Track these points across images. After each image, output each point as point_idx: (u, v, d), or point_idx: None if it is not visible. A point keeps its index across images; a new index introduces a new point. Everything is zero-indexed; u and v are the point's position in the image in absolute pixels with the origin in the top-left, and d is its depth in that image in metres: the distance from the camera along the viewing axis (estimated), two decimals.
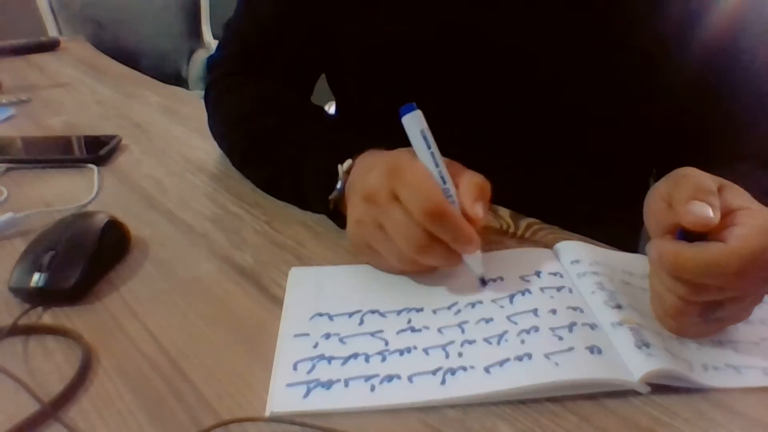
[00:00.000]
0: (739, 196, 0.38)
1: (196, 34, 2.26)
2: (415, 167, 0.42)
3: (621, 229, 0.66)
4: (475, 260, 0.43)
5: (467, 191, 0.43)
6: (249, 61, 0.68)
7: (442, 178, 0.43)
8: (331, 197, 0.51)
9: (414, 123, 0.43)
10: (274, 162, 0.58)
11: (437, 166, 0.43)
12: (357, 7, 0.62)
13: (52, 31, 2.00)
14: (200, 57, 2.23)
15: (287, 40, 0.67)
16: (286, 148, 0.57)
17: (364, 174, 0.46)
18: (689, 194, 0.36)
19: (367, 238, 0.44)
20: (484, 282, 0.44)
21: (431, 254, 0.41)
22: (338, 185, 0.50)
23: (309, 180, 0.54)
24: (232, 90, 0.67)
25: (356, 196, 0.44)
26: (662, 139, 0.63)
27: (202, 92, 0.73)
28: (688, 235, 0.37)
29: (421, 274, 0.45)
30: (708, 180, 0.38)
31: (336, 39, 0.65)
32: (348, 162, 0.50)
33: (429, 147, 0.43)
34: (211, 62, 0.72)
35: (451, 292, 0.44)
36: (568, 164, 0.63)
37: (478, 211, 0.42)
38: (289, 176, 0.56)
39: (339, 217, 0.52)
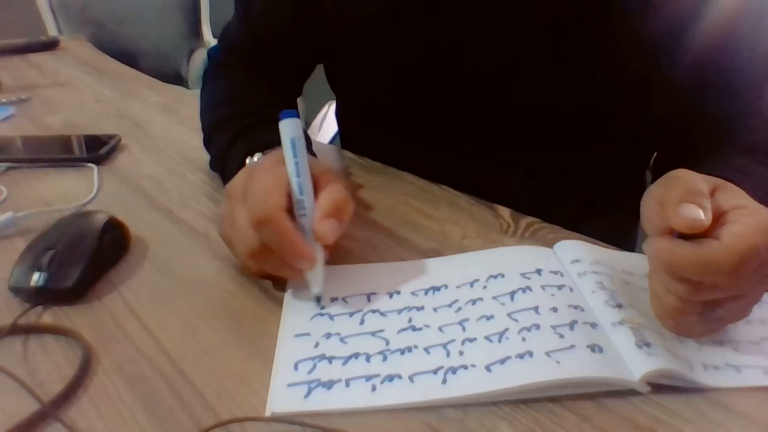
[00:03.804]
0: (734, 195, 0.38)
1: (196, 33, 2.25)
2: (270, 173, 0.42)
3: (617, 222, 0.66)
4: (313, 276, 0.42)
5: (320, 207, 0.43)
6: (238, 55, 0.71)
7: (300, 189, 0.43)
8: None
9: (287, 129, 0.43)
10: (214, 150, 0.62)
11: (298, 176, 0.43)
12: (345, 5, 0.62)
13: (52, 31, 2.00)
14: (200, 57, 2.23)
15: (276, 38, 0.68)
16: (224, 138, 0.59)
17: None
18: (679, 197, 0.36)
19: (224, 231, 0.46)
20: (319, 301, 0.43)
21: (263, 262, 0.42)
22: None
23: (230, 170, 0.56)
24: (213, 81, 0.71)
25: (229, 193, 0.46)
26: (658, 131, 0.63)
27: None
28: (685, 235, 0.37)
29: (272, 279, 0.45)
30: (699, 181, 0.38)
31: (329, 37, 0.66)
32: (258, 155, 0.52)
33: (295, 156, 0.43)
34: (209, 54, 0.75)
35: (452, 290, 0.44)
36: (563, 157, 0.63)
37: (323, 227, 0.42)
38: (220, 165, 0.59)
39: None
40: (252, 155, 0.52)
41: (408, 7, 0.59)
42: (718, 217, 0.36)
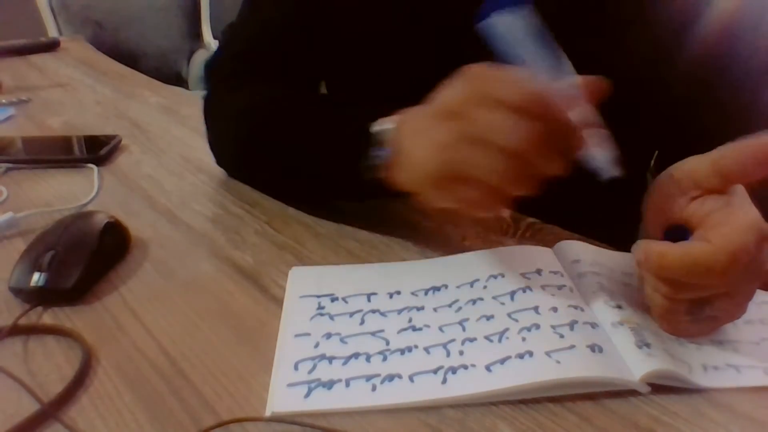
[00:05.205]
0: (730, 193, 0.38)
1: (196, 34, 2.26)
2: (501, 68, 0.36)
3: (618, 223, 0.66)
4: (598, 146, 0.36)
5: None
6: (252, 61, 0.65)
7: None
8: (375, 161, 0.45)
9: (513, 23, 0.36)
10: (291, 144, 0.54)
11: (555, 64, 0.36)
12: (353, 14, 0.61)
13: (52, 32, 2.00)
14: (200, 57, 2.23)
15: (292, 45, 0.65)
16: (304, 127, 0.52)
17: (418, 125, 0.40)
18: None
19: (456, 165, 0.37)
20: (614, 168, 0.37)
21: (546, 152, 0.36)
22: (380, 150, 0.44)
23: (341, 148, 0.48)
24: (233, 91, 0.64)
25: (431, 119, 0.38)
26: (659, 132, 0.63)
27: (203, 92, 0.72)
28: (674, 234, 0.37)
29: (498, 211, 0.40)
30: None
31: (335, 46, 0.65)
32: (389, 120, 0.44)
33: (543, 46, 0.36)
34: (210, 66, 0.68)
35: (452, 290, 0.44)
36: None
37: (594, 82, 0.37)
38: (312, 155, 0.51)
39: (378, 190, 0.46)
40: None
41: (408, 14, 0.58)
42: (709, 215, 0.36)
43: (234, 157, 0.63)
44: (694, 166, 0.38)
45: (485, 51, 0.57)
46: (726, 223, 0.36)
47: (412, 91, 0.61)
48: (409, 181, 0.43)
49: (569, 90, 0.36)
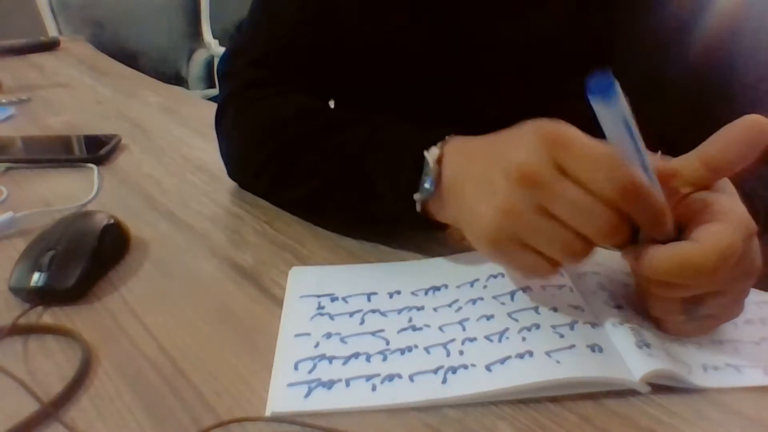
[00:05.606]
0: (717, 190, 0.38)
1: (196, 34, 2.26)
2: (583, 136, 0.34)
3: None
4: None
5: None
6: (274, 68, 0.61)
7: (649, 174, 0.35)
8: (420, 196, 0.44)
9: (612, 106, 0.33)
10: (325, 166, 0.50)
11: (639, 152, 0.34)
12: (361, 24, 0.59)
13: (52, 31, 2.00)
14: (200, 57, 2.24)
15: (314, 48, 0.60)
16: (341, 147, 0.49)
17: (470, 161, 0.39)
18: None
19: (519, 231, 0.36)
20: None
21: (619, 236, 0.35)
22: (427, 181, 0.42)
23: (381, 177, 0.46)
24: (257, 102, 0.59)
25: (502, 179, 0.36)
26: (659, 135, 0.62)
27: (202, 92, 0.72)
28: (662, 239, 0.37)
29: (548, 277, 0.39)
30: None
31: (348, 52, 0.63)
32: (435, 150, 0.43)
33: (631, 134, 0.33)
34: (226, 73, 0.63)
35: (452, 290, 0.44)
36: None
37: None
38: (349, 180, 0.48)
39: (422, 222, 0.46)
40: (426, 149, 0.43)
41: (423, 19, 0.58)
42: (697, 213, 0.36)
43: (258, 172, 0.58)
44: (681, 163, 0.38)
45: (510, 70, 0.56)
46: (713, 222, 0.35)
47: (435, 105, 0.60)
48: (463, 230, 0.42)
49: (649, 179, 0.35)
